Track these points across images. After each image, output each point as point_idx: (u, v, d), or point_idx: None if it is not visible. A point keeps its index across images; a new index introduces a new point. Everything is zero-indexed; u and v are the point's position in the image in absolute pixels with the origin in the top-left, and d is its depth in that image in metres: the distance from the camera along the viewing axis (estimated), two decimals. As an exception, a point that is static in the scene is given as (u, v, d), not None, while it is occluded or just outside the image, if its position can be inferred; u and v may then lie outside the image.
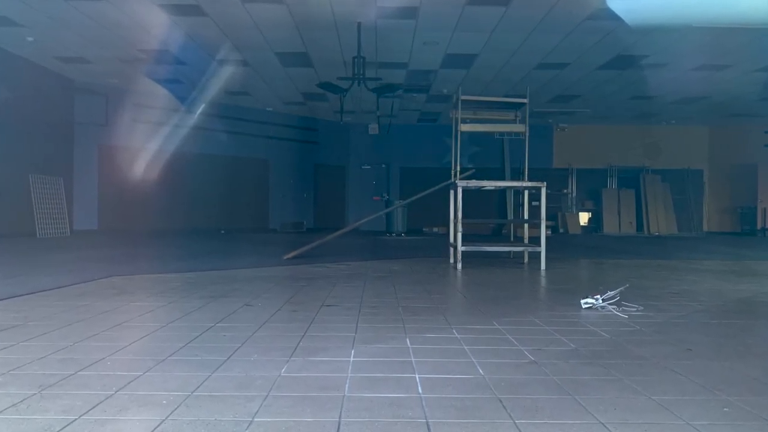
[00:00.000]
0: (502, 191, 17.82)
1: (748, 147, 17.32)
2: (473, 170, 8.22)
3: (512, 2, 8.08)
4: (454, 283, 4.84)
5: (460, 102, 6.85)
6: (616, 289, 3.66)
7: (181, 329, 2.75)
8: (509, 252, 7.48)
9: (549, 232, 14.30)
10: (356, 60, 9.31)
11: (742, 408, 1.72)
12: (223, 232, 14.17)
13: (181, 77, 12.38)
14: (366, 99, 13.63)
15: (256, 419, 1.59)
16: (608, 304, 3.47)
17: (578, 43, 9.84)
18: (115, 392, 1.79)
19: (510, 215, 17.80)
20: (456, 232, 6.14)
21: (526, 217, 7.20)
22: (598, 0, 7.93)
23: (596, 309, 3.42)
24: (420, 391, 1.85)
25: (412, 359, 2.24)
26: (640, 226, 18.00)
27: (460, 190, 6.12)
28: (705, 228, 18.47)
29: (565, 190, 18.53)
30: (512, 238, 9.58)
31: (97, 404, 1.68)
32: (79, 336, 2.56)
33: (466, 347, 2.45)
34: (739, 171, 17.78)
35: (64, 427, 1.52)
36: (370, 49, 10.05)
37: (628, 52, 10.36)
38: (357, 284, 4.55)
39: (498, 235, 15.66)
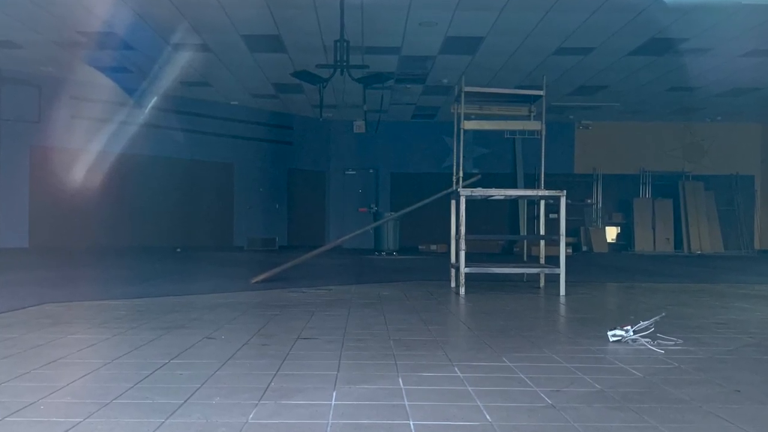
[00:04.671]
0: (514, 201, 17.87)
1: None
2: (479, 176, 8.25)
3: (525, -23, 8.18)
4: (456, 312, 4.85)
5: (463, 94, 6.87)
6: (651, 318, 3.68)
7: (128, 367, 2.74)
8: (522, 274, 7.50)
9: (569, 250, 14.35)
10: (339, 44, 9.35)
11: (797, 459, 1.74)
12: (179, 250, 14.12)
13: (129, 65, 12.38)
14: (350, 91, 13.67)
15: (219, 475, 1.59)
16: (640, 336, 3.49)
17: (605, 23, 9.92)
18: (49, 443, 1.79)
19: (523, 230, 17.85)
20: (458, 251, 6.15)
21: (542, 232, 7.23)
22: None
23: (626, 342, 3.43)
24: (415, 440, 1.85)
25: (406, 403, 2.24)
26: (678, 244, 18.08)
27: (463, 201, 6.13)
28: (757, 245, 18.58)
29: (589, 201, 18.63)
30: (526, 258, 9.62)
31: (28, 457, 1.68)
32: (6, 375, 2.54)
33: (470, 388, 2.46)
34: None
35: (-12, 485, 1.52)
36: (356, 31, 10.10)
37: (664, 35, 10.45)
38: (340, 313, 4.56)
39: (509, 255, 15.70)
